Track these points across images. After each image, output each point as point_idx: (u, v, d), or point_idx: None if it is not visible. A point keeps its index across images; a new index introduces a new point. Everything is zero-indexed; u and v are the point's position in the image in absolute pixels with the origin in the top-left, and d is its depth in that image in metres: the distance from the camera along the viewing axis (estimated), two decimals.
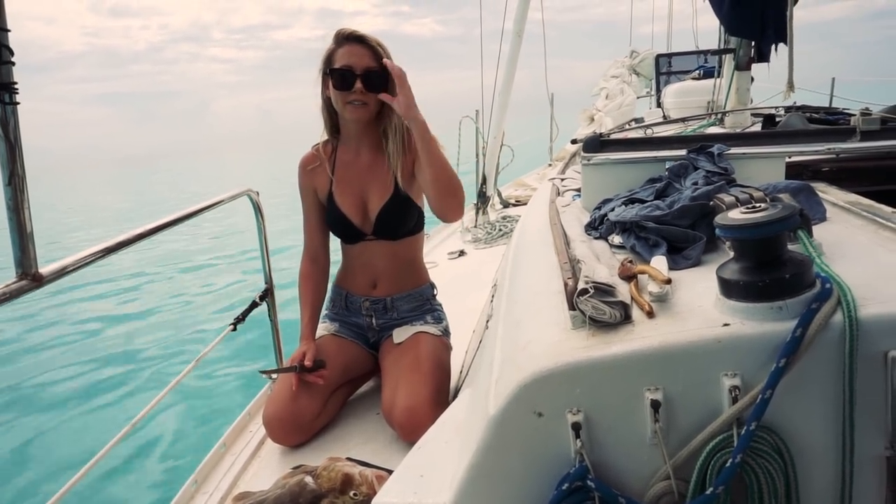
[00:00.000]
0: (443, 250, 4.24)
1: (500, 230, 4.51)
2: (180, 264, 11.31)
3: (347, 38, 1.85)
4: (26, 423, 5.20)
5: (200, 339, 6.74)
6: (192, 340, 6.87)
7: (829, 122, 2.37)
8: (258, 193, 2.26)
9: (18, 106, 1.06)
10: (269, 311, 2.34)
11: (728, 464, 0.84)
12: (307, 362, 1.89)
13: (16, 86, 1.04)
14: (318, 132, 2.04)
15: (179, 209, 1.87)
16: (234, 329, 2.17)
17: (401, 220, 1.98)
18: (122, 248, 1.52)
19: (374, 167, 1.97)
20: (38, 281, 1.20)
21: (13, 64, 1.04)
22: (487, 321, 1.68)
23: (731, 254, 0.97)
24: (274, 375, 2.07)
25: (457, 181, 1.87)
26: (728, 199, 1.17)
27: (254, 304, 2.27)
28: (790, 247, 0.92)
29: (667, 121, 4.10)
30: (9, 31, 1.03)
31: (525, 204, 5.19)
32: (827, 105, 3.78)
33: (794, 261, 0.89)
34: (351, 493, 1.54)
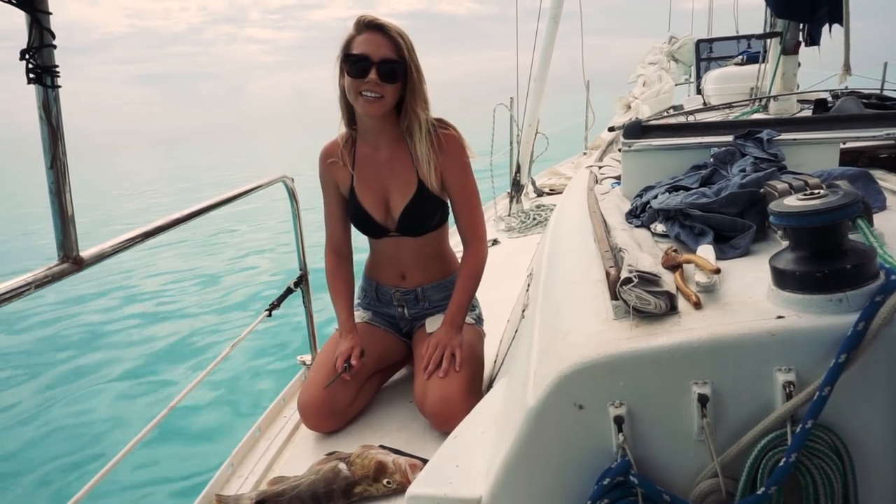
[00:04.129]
0: None
1: (535, 219, 4.45)
2: (215, 249, 11.51)
3: (367, 26, 1.75)
4: (62, 406, 5.34)
5: (236, 325, 6.86)
6: (227, 327, 6.98)
7: (884, 108, 2.26)
8: (293, 180, 2.26)
9: (60, 89, 1.06)
10: (303, 297, 2.35)
11: (781, 463, 0.80)
12: (354, 361, 1.87)
13: (57, 69, 1.04)
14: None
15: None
16: (270, 315, 2.18)
17: (425, 218, 1.93)
18: (161, 232, 1.53)
19: (395, 162, 1.90)
20: (78, 264, 1.21)
21: (55, 47, 1.04)
22: (523, 310, 1.65)
23: (783, 243, 0.92)
24: (310, 361, 2.07)
25: (480, 276, 1.97)
26: (781, 185, 1.12)
27: (288, 291, 2.28)
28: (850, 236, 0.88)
29: (708, 107, 3.99)
30: (50, 13, 1.03)
31: (559, 193, 5.12)
32: (878, 90, 3.62)
33: (856, 251, 0.84)
34: (384, 481, 1.53)
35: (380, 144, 1.90)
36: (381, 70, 1.72)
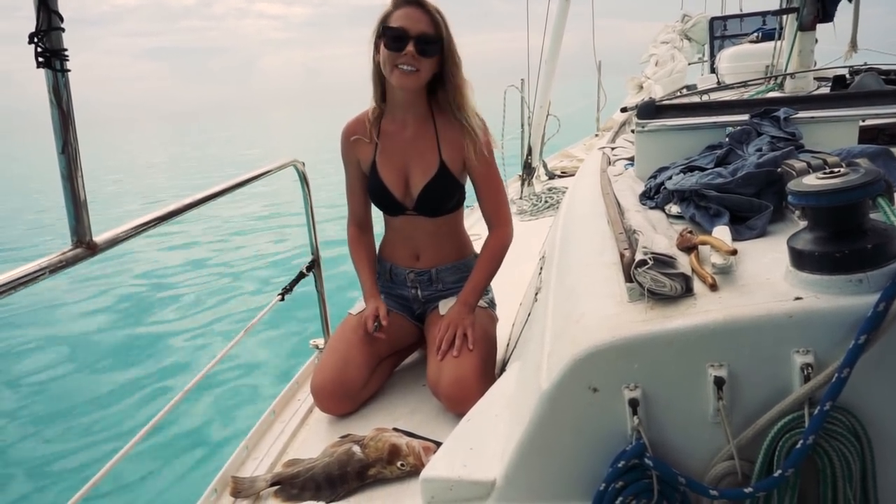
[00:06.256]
0: None
1: (546, 202, 4.43)
2: (228, 233, 11.56)
3: (407, 1, 1.78)
4: (75, 389, 5.40)
5: (249, 309, 6.90)
6: (239, 311, 7.03)
7: None
8: (304, 164, 2.26)
9: (70, 73, 1.06)
10: (315, 282, 2.36)
11: (798, 445, 0.79)
12: (384, 321, 1.91)
13: (66, 52, 1.04)
14: (364, 92, 1.99)
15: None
16: (282, 300, 2.19)
17: (443, 199, 1.94)
18: (174, 216, 1.53)
19: (419, 141, 1.92)
20: (92, 249, 1.21)
21: (63, 30, 1.03)
22: (536, 294, 1.64)
23: (801, 223, 0.91)
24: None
25: (501, 259, 1.99)
26: (799, 164, 1.09)
27: (301, 276, 2.28)
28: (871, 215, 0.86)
29: (722, 86, 3.92)
30: None
31: (571, 175, 5.08)
32: None
33: (877, 230, 0.82)
34: (398, 464, 1.54)
35: (407, 122, 1.93)
36: (418, 44, 1.75)
